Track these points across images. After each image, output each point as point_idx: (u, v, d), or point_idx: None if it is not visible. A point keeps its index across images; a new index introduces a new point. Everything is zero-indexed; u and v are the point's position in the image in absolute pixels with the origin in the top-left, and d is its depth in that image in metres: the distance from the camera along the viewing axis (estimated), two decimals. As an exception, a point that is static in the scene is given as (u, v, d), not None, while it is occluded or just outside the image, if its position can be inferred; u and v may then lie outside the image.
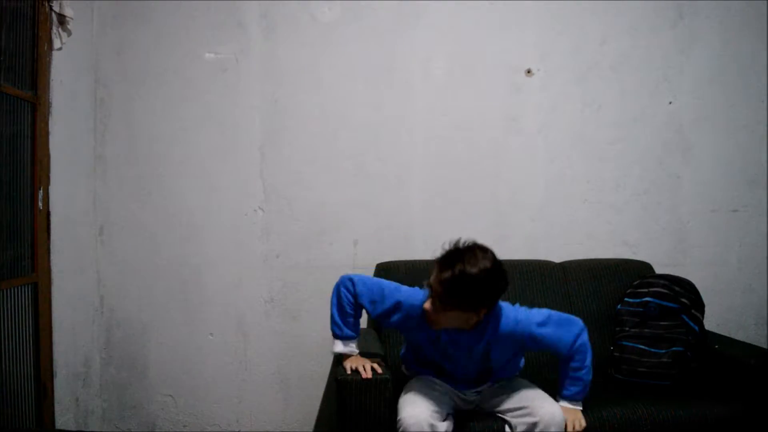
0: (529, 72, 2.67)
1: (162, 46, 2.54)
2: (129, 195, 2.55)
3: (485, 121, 2.65)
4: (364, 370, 1.85)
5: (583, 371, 1.87)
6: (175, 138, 2.56)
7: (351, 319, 1.95)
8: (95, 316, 2.54)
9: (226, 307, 2.59)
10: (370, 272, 2.55)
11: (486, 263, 1.67)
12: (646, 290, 2.36)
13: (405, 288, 1.90)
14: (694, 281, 2.40)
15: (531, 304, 2.42)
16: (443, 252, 1.71)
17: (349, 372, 1.87)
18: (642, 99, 2.71)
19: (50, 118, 2.18)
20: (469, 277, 1.64)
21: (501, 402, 1.89)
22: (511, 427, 1.84)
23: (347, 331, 1.95)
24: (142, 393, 2.58)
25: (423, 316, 1.80)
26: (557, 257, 2.61)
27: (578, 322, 1.87)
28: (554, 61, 2.67)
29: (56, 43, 2.18)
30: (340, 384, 1.85)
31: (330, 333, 1.99)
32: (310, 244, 2.58)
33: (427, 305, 1.74)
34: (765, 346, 2.57)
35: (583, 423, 1.85)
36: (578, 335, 1.85)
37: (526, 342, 1.86)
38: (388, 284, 1.92)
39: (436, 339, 1.86)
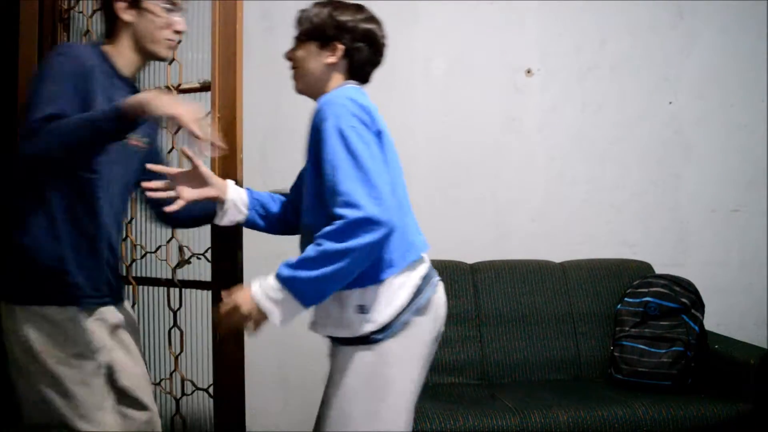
0: (529, 72, 2.66)
1: (162, 46, 2.54)
2: (129, 195, 2.55)
3: (485, 121, 2.65)
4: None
5: (319, 258, 1.37)
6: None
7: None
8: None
9: (226, 307, 2.58)
10: (370, 272, 2.55)
11: None
12: (646, 290, 2.37)
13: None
14: (694, 281, 2.40)
15: (531, 304, 2.46)
16: None
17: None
18: (642, 99, 2.71)
19: (50, 118, 2.17)
20: None
21: None
22: None
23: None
24: (142, 393, 2.57)
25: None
26: (557, 257, 2.61)
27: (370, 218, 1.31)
28: (554, 61, 2.67)
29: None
30: (341, 384, 1.85)
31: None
32: (310, 244, 2.57)
33: None
34: (765, 346, 2.56)
35: (240, 305, 1.38)
36: (357, 221, 1.31)
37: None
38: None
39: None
